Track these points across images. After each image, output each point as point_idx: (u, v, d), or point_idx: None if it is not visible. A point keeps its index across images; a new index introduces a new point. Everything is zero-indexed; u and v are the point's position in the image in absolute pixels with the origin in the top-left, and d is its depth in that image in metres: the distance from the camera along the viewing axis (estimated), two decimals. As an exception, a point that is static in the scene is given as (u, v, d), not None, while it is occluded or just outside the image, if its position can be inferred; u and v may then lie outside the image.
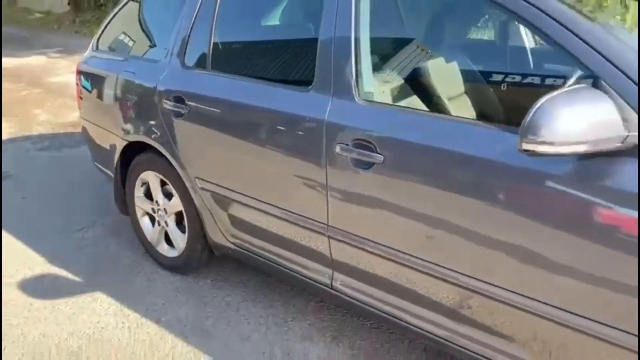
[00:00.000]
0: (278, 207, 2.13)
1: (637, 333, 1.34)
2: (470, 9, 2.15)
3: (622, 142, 1.29)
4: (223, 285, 2.70)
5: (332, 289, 2.09)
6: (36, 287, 2.74)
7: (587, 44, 1.40)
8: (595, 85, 1.35)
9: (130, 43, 2.93)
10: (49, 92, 6.82)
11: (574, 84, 1.41)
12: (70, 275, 2.83)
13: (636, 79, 1.32)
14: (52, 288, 2.72)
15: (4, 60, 9.20)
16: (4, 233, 3.25)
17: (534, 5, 1.50)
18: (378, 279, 1.92)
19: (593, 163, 1.35)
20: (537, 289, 1.50)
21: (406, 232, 1.76)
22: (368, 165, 1.76)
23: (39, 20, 14.05)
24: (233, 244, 2.44)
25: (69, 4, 13.44)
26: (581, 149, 1.26)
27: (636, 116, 1.30)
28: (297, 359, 2.18)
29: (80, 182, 3.93)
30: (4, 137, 5.17)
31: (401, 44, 2.05)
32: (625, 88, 1.32)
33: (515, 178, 1.48)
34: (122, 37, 2.97)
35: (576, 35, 1.42)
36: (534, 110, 1.26)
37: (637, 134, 1.29)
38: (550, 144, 1.25)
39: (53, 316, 2.50)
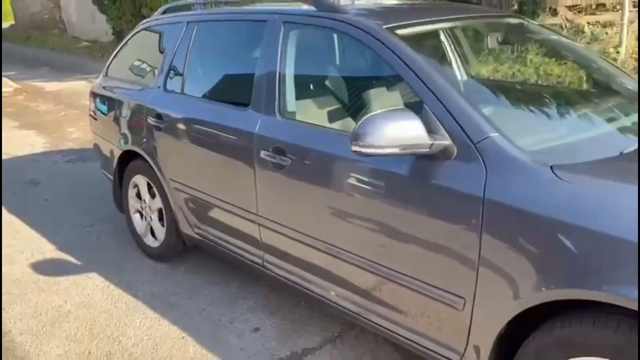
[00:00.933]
0: (224, 201, 2.69)
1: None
2: (355, 56, 2.67)
3: (429, 149, 1.79)
4: (194, 272, 3.24)
5: (264, 268, 2.62)
6: (45, 267, 3.36)
7: (420, 79, 1.92)
8: (421, 107, 1.86)
9: (132, 71, 3.57)
10: (83, 113, 7.61)
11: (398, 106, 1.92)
12: (73, 260, 3.44)
13: (449, 105, 1.82)
14: (57, 268, 3.34)
15: (52, 84, 10.25)
16: (26, 225, 3.92)
17: (390, 49, 2.03)
18: (297, 260, 2.43)
19: (421, 162, 1.85)
20: (394, 260, 1.98)
21: (310, 219, 2.28)
22: (281, 167, 2.30)
23: (85, 48, 15.25)
24: (197, 234, 3.00)
25: (113, 34, 14.59)
26: (394, 151, 1.77)
27: (443, 130, 1.80)
28: (239, 325, 2.70)
29: (94, 191, 4.57)
30: (39, 150, 5.96)
31: (313, 79, 2.60)
32: (438, 110, 1.83)
33: (372, 173, 1.99)
34: (126, 66, 3.63)
35: (416, 75, 1.94)
36: (359, 123, 1.78)
37: (445, 142, 1.79)
38: (370, 147, 1.76)
39: (54, 289, 3.10)
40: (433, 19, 2.39)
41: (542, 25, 2.99)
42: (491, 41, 2.63)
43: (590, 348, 1.51)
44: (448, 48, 2.54)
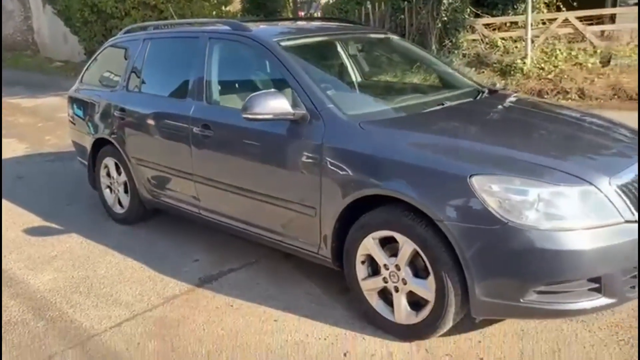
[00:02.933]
0: (170, 168, 3.69)
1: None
2: (253, 59, 3.69)
3: (293, 116, 2.83)
4: (152, 231, 4.19)
5: (200, 214, 3.62)
6: (34, 231, 4.29)
7: (290, 73, 2.97)
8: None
9: (102, 78, 4.57)
10: (58, 124, 8.52)
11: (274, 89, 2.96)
12: (56, 226, 4.38)
13: (305, 89, 2.87)
14: (44, 231, 4.28)
15: (28, 100, 11.11)
16: (15, 206, 4.84)
17: (274, 55, 3.08)
18: (220, 202, 3.44)
19: (295, 125, 2.87)
20: (276, 189, 3.01)
21: (225, 170, 3.30)
22: (207, 137, 3.33)
23: (58, 68, 16.11)
24: (152, 197, 3.99)
25: (85, 54, 15.49)
26: (269, 117, 2.80)
27: (302, 104, 2.84)
28: (184, 259, 3.67)
29: (72, 180, 5.51)
30: (21, 154, 6.85)
31: (227, 75, 3.62)
32: (299, 92, 2.88)
33: (262, 134, 3.02)
34: (96, 75, 4.62)
35: (287, 70, 2.99)
36: (246, 99, 2.82)
37: (302, 111, 2.84)
38: (255, 114, 2.79)
39: (42, 243, 4.05)
40: (310, 34, 3.49)
41: (403, 40, 4.07)
42: (352, 49, 3.71)
43: (372, 227, 2.57)
44: (317, 53, 3.60)
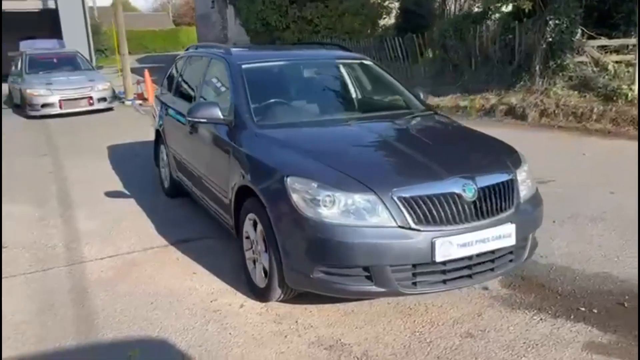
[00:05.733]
0: (180, 155, 4.86)
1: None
2: (226, 77, 4.53)
3: (223, 120, 3.75)
4: (182, 204, 5.42)
5: (192, 189, 4.71)
6: (113, 193, 5.82)
7: (235, 89, 3.90)
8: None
9: (166, 83, 5.91)
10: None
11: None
12: (127, 191, 5.86)
13: (237, 103, 3.78)
14: (119, 194, 5.78)
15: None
16: (115, 180, 6.50)
17: (233, 73, 4.02)
18: (196, 186, 4.50)
19: (226, 128, 3.79)
20: (210, 172, 3.95)
21: (195, 156, 4.34)
22: (193, 133, 4.40)
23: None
24: (176, 176, 5.21)
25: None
26: (204, 120, 3.77)
27: (232, 113, 3.75)
28: (176, 224, 4.80)
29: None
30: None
31: (211, 85, 4.59)
32: (234, 104, 3.79)
33: (212, 131, 3.98)
34: (166, 80, 6.00)
35: (234, 87, 3.92)
36: (190, 107, 3.81)
37: (230, 118, 3.75)
38: (194, 117, 3.78)
39: (109, 202, 5.53)
40: (273, 59, 4.36)
41: (377, 65, 4.63)
42: (307, 72, 4.43)
43: (247, 210, 3.37)
44: (271, 74, 4.37)
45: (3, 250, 4.34)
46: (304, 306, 3.27)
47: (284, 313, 3.22)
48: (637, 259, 3.79)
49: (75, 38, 19.74)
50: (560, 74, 8.99)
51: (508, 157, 3.38)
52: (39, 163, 7.48)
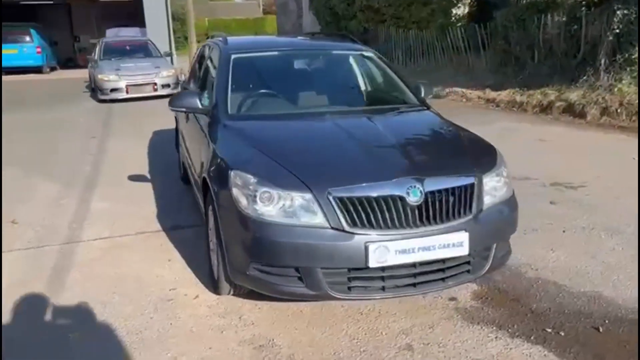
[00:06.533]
0: (183, 141, 4.93)
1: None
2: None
3: (201, 109, 3.75)
4: (188, 192, 5.51)
5: (189, 169, 4.77)
6: (137, 177, 6.04)
7: (219, 78, 3.88)
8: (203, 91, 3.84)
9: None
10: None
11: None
12: (148, 174, 6.06)
13: (217, 93, 3.76)
14: (139, 178, 5.98)
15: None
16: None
17: (223, 63, 4.00)
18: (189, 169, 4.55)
19: (202, 115, 3.80)
20: (194, 154, 3.97)
21: (188, 139, 4.39)
22: (188, 119, 4.45)
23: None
24: (185, 163, 5.30)
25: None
26: (183, 109, 3.80)
27: (213, 103, 3.75)
28: (181, 210, 4.89)
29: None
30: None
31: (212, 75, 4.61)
32: (214, 93, 3.78)
33: (198, 119, 4.00)
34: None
35: (219, 76, 3.90)
36: (173, 97, 3.84)
37: (209, 108, 3.74)
38: (174, 107, 3.81)
39: (130, 183, 5.75)
40: (265, 49, 4.28)
41: (379, 58, 4.41)
42: (299, 63, 4.29)
43: (209, 201, 3.35)
44: (261, 65, 4.28)
45: (14, 226, 4.63)
46: (254, 302, 3.21)
47: (232, 308, 3.18)
48: (636, 278, 3.39)
49: (157, 26, 20.70)
50: (628, 69, 8.20)
51: (479, 159, 3.12)
52: (85, 145, 7.91)
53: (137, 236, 4.37)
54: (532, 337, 2.84)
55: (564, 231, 4.20)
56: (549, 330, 2.89)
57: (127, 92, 12.38)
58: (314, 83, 4.22)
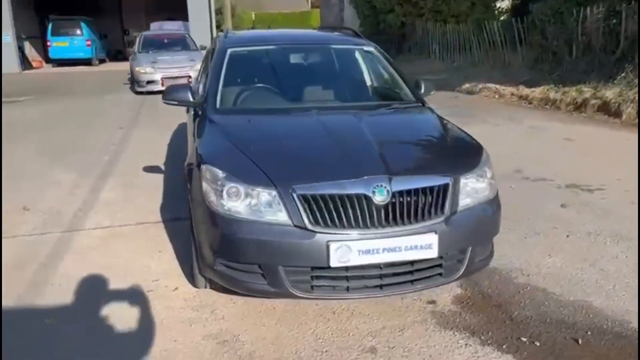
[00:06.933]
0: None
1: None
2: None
3: (193, 102, 3.77)
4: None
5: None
6: (150, 168, 6.16)
7: (212, 72, 3.89)
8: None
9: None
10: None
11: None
12: (162, 166, 6.17)
13: (209, 86, 3.77)
14: (155, 169, 6.10)
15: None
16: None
17: (220, 56, 4.01)
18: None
19: (198, 108, 3.82)
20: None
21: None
22: (188, 111, 4.49)
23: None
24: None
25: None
26: (175, 102, 3.81)
27: (203, 96, 3.76)
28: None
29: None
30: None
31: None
32: (207, 86, 3.79)
33: (190, 116, 4.03)
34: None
35: (212, 69, 3.91)
36: (167, 90, 3.87)
37: (201, 100, 3.76)
38: (167, 100, 3.83)
39: (143, 180, 5.87)
40: (260, 44, 4.24)
41: (381, 54, 4.29)
42: (294, 57, 4.22)
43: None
44: (256, 59, 4.24)
45: (24, 212, 4.81)
46: (230, 297, 3.20)
47: (207, 301, 3.19)
48: (633, 288, 3.20)
49: (199, 19, 21.03)
50: (669, 65, 7.75)
51: (459, 159, 3.00)
52: (111, 135, 8.12)
53: (137, 226, 4.45)
54: (504, 346, 2.72)
55: (567, 236, 4.01)
56: (524, 339, 2.76)
57: (162, 85, 12.60)
58: (308, 78, 4.16)
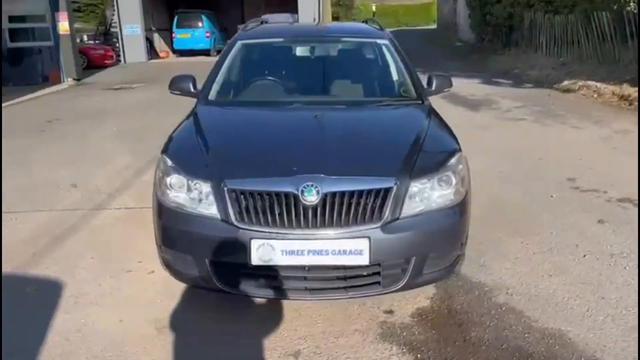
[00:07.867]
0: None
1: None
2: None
3: (194, 92, 3.86)
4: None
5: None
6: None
7: (217, 63, 3.96)
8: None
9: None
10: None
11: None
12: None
13: (212, 77, 3.85)
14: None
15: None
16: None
17: (232, 48, 4.09)
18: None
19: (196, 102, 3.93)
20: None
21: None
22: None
23: (453, 47, 18.05)
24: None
25: (479, 39, 16.86)
26: (179, 93, 3.92)
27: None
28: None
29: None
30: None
31: None
32: (210, 77, 3.87)
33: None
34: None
35: (222, 60, 3.98)
36: (172, 80, 4.00)
37: (198, 92, 3.85)
38: (172, 90, 3.96)
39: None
40: (271, 37, 4.20)
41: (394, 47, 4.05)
42: (301, 50, 4.09)
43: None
44: (265, 52, 4.16)
45: (71, 189, 5.26)
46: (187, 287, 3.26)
47: (173, 288, 3.23)
48: (626, 321, 2.76)
49: (308, 11, 21.49)
50: None
51: (417, 162, 2.76)
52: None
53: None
54: (439, 368, 2.49)
55: (584, 255, 3.56)
56: (466, 364, 2.51)
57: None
58: (309, 72, 4.07)
